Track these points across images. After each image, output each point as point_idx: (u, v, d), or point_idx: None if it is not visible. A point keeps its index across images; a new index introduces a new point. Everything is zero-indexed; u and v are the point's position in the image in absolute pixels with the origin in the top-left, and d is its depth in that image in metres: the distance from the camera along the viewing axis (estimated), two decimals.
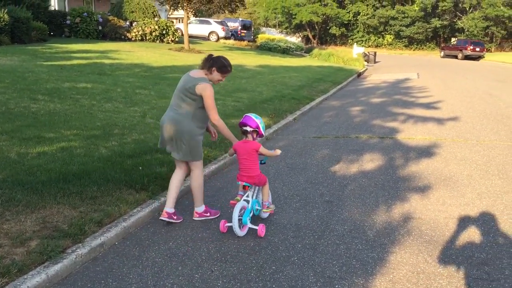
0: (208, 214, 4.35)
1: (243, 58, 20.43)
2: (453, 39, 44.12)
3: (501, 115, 10.19)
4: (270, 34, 44.14)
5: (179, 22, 38.73)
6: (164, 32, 23.76)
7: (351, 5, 52.92)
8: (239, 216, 3.97)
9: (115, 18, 23.56)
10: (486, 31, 45.73)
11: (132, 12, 25.11)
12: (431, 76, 20.10)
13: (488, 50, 42.16)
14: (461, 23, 47.30)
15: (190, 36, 25.48)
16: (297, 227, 4.20)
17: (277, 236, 4.02)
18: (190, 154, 4.13)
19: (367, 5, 52.02)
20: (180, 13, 27.80)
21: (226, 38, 34.61)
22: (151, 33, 23.27)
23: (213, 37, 34.33)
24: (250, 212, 4.09)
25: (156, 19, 25.00)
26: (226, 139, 6.66)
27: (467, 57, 35.90)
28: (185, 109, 4.05)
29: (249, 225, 4.02)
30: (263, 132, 4.20)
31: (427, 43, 51.35)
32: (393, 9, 50.39)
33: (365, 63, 27.26)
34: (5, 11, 16.28)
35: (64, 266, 3.24)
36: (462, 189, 5.31)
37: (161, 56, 17.34)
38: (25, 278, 2.99)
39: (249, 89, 12.15)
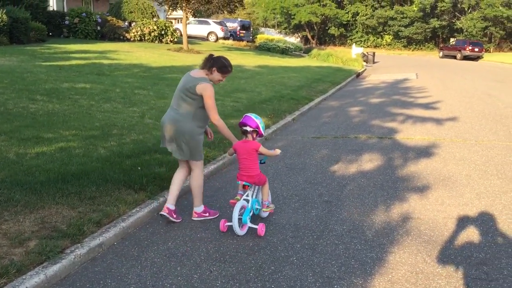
0: (207, 214, 4.35)
1: (242, 59, 20.43)
2: (452, 40, 44.17)
3: (499, 115, 10.20)
4: (269, 35, 44.14)
5: (178, 22, 38.74)
6: (163, 32, 23.75)
7: (350, 5, 52.97)
8: (239, 216, 3.98)
9: (114, 19, 23.56)
10: (485, 31, 45.79)
11: (131, 12, 25.10)
12: (430, 77, 20.12)
13: (487, 51, 42.21)
14: (460, 23, 47.35)
15: (189, 37, 25.49)
16: (296, 227, 4.20)
17: (276, 236, 4.02)
18: (190, 153, 4.14)
19: (366, 6, 52.06)
20: (179, 13, 27.80)
21: (225, 38, 34.61)
22: (150, 34, 23.27)
23: (212, 38, 34.32)
24: (250, 211, 4.10)
25: (155, 19, 25.00)
26: (225, 140, 6.68)
27: (466, 58, 35.94)
28: (185, 109, 4.06)
29: (249, 224, 4.03)
30: (263, 132, 4.22)
31: (426, 43, 51.40)
32: (392, 9, 50.43)
33: (364, 63, 27.28)
34: (4, 11, 16.27)
35: (62, 266, 3.23)
36: (461, 189, 5.32)
37: (160, 57, 17.34)
38: (23, 279, 2.98)
39: (248, 90, 12.15)
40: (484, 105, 11.64)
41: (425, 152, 6.96)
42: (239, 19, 40.09)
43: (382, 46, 52.52)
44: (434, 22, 48.20)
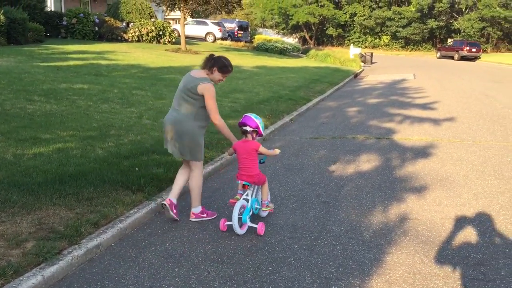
0: (205, 215, 4.35)
1: (240, 59, 20.43)
2: (449, 40, 44.27)
3: (497, 115, 10.23)
4: (267, 35, 44.12)
5: (176, 23, 38.68)
6: (160, 33, 23.73)
7: (347, 6, 53.04)
8: (238, 215, 4.00)
9: (112, 19, 23.53)
10: (482, 32, 45.92)
11: (129, 13, 25.07)
12: (428, 77, 20.16)
13: (484, 51, 42.32)
14: (457, 24, 47.47)
15: (187, 37, 25.46)
16: (293, 228, 4.20)
17: (273, 237, 4.02)
18: (191, 153, 4.16)
19: (364, 6, 52.14)
20: (176, 14, 27.80)
21: (223, 39, 34.60)
22: (147, 34, 23.25)
23: (210, 38, 34.31)
24: (250, 210, 4.11)
25: (152, 20, 24.97)
26: (223, 140, 6.69)
27: (463, 58, 36.03)
28: (187, 109, 4.07)
29: (249, 223, 4.05)
30: (262, 132, 4.24)
31: (424, 44, 51.51)
32: (390, 10, 50.53)
33: (362, 64, 27.31)
34: (1, 12, 16.23)
35: (60, 267, 3.22)
36: (458, 189, 5.33)
37: (158, 57, 17.32)
38: (21, 280, 2.98)
39: (246, 90, 12.16)
40: (482, 106, 11.67)
41: (422, 152, 6.97)
42: (237, 20, 40.10)
43: (380, 47, 52.60)
44: (432, 23, 48.31)
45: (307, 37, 55.56)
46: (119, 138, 6.38)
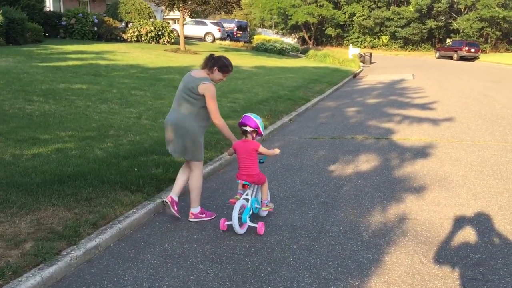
0: (204, 216, 4.35)
1: (239, 59, 20.43)
2: (448, 40, 44.34)
3: (496, 115, 10.24)
4: (266, 35, 44.14)
5: (175, 23, 38.69)
6: (159, 33, 23.72)
7: (346, 6, 53.05)
8: (238, 214, 4.01)
9: (111, 19, 23.51)
10: (481, 32, 45.96)
11: (128, 13, 25.06)
12: (427, 77, 20.17)
13: (483, 51, 42.37)
14: (456, 24, 47.51)
15: (186, 37, 25.46)
16: (292, 228, 4.20)
17: (272, 237, 4.02)
18: (192, 154, 4.16)
19: (363, 6, 52.16)
20: (175, 14, 27.80)
21: (222, 39, 34.60)
22: (146, 34, 23.24)
23: (209, 38, 34.31)
24: (250, 210, 4.12)
25: (151, 20, 24.96)
26: (221, 141, 6.69)
27: (462, 58, 36.06)
28: (188, 109, 4.08)
29: (249, 223, 4.06)
30: (262, 132, 4.25)
31: (423, 44, 51.55)
32: (389, 10, 50.56)
33: (361, 64, 27.34)
34: (0, 12, 16.21)
35: (59, 268, 3.22)
36: (457, 189, 5.33)
37: (157, 57, 17.32)
38: (19, 281, 2.98)
39: (245, 90, 12.16)
40: (480, 106, 11.68)
41: (421, 152, 6.98)
42: (236, 20, 40.06)
43: (378, 47, 52.64)
44: (431, 23, 48.35)
45: (306, 37, 55.58)
46: (118, 138, 6.38)
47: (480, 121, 9.52)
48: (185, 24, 26.37)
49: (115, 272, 3.38)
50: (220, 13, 24.00)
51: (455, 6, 48.43)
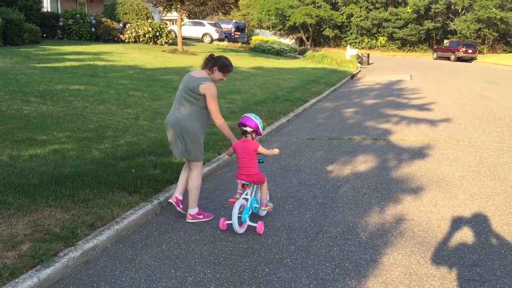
0: (201, 217, 4.35)
1: (237, 60, 20.43)
2: (445, 41, 44.46)
3: (493, 116, 10.26)
4: (264, 36, 44.23)
5: (173, 24, 38.67)
6: (157, 34, 23.69)
7: (344, 7, 53.17)
8: (238, 214, 4.03)
9: (108, 20, 23.47)
10: (478, 33, 46.12)
11: (126, 13, 25.04)
12: (424, 78, 20.21)
13: (480, 52, 42.51)
14: (453, 25, 47.64)
15: (184, 38, 25.45)
16: (290, 229, 4.20)
17: (270, 238, 4.02)
18: (191, 153, 4.17)
19: (360, 7, 52.29)
20: (173, 15, 27.77)
21: (219, 40, 34.62)
22: (144, 35, 23.21)
23: (207, 39, 34.32)
24: (249, 210, 4.14)
25: (149, 21, 24.94)
26: (219, 141, 6.69)
27: (459, 59, 36.18)
28: (188, 109, 4.09)
29: (248, 222, 4.08)
30: (261, 132, 4.29)
31: (420, 45, 51.69)
32: (386, 11, 50.69)
33: (359, 64, 27.39)
34: None
35: (56, 269, 3.22)
36: (454, 190, 5.34)
37: (155, 58, 17.30)
38: (16, 282, 2.97)
39: (242, 91, 12.16)
40: (478, 106, 11.71)
41: (419, 153, 6.99)
42: (234, 21, 40.11)
43: (376, 48, 52.75)
44: (428, 24, 48.49)
45: (304, 38, 55.64)
46: (116, 139, 6.37)
47: (477, 122, 9.55)
48: (183, 25, 26.35)
49: (112, 273, 3.37)
50: (218, 14, 24.02)
51: (452, 7, 48.58)
